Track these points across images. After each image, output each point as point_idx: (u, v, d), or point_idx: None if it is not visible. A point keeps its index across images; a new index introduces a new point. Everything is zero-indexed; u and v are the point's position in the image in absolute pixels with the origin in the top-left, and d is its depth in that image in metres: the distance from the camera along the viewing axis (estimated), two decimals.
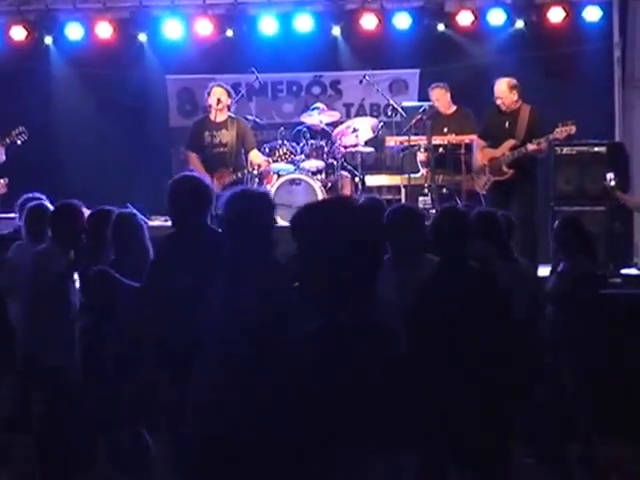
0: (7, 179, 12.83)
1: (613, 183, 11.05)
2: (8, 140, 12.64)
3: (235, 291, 5.60)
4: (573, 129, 11.47)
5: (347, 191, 13.18)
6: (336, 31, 14.63)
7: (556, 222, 9.22)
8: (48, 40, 14.73)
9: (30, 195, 9.54)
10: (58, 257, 8.05)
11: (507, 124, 11.98)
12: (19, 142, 12.67)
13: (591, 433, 8.76)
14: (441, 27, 14.44)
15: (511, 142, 11.89)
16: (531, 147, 11.63)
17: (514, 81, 12.02)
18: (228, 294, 5.62)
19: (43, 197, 9.36)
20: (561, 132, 11.48)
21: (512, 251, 8.48)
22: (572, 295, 8.43)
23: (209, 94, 12.66)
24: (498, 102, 12.09)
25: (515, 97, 11.94)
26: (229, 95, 12.68)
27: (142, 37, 14.86)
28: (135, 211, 8.29)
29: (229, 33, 14.71)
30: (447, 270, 6.48)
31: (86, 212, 8.20)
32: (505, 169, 11.89)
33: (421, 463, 3.85)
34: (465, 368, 5.73)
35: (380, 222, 3.90)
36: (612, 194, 11.09)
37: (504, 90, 11.99)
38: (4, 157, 12.75)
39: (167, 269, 6.69)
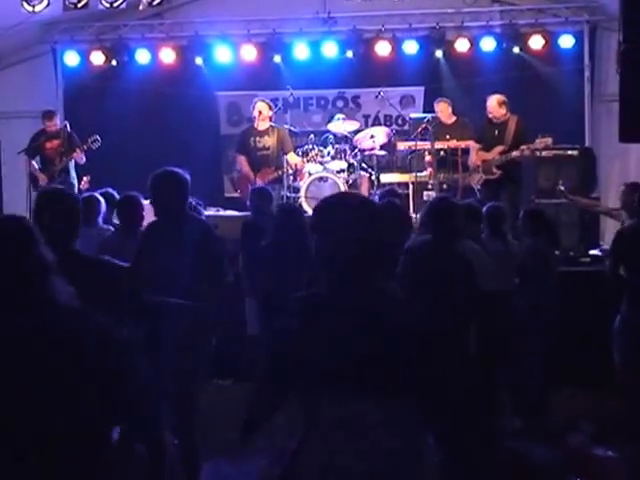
0: (89, 176, 13.02)
1: (562, 188, 11.18)
2: (85, 146, 12.77)
3: None
4: (549, 140, 11.61)
5: (365, 187, 13.27)
6: (356, 55, 14.65)
7: (521, 212, 9.39)
8: (121, 63, 14.84)
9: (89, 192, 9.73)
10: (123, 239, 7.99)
11: (497, 132, 12.10)
12: (94, 148, 12.79)
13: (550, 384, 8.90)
14: (442, 52, 14.43)
15: (500, 148, 12.02)
16: (515, 154, 11.79)
17: (503, 97, 12.12)
18: None
19: (111, 190, 9.55)
20: (540, 143, 11.60)
21: (505, 233, 8.66)
22: (528, 269, 8.58)
23: (253, 107, 12.79)
24: (489, 115, 12.21)
25: (504, 111, 12.04)
26: (270, 108, 12.81)
27: (198, 61, 14.88)
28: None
29: (269, 57, 14.76)
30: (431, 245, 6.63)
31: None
32: (495, 170, 12.03)
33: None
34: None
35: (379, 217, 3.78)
36: (564, 196, 11.15)
37: (494, 105, 12.10)
38: (84, 159, 12.90)
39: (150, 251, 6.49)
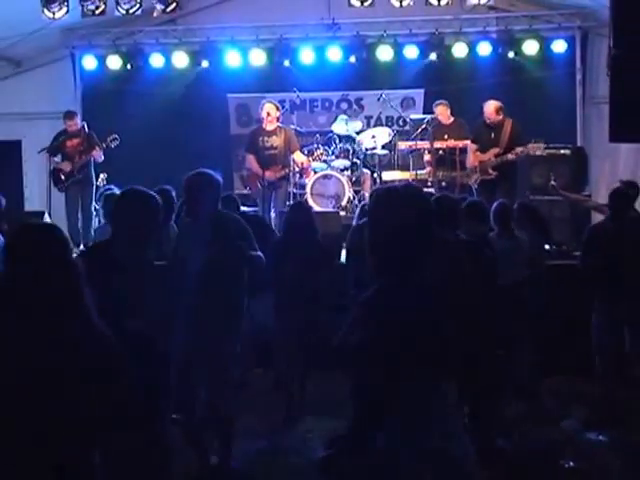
0: (106, 174, 13.06)
1: (554, 184, 11.20)
2: (104, 145, 12.79)
3: None
4: (542, 147, 11.64)
5: (367, 184, 13.29)
6: (359, 59, 14.65)
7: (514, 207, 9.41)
8: (137, 67, 14.85)
9: (105, 188, 9.74)
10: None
11: (492, 135, 12.11)
12: (113, 146, 12.82)
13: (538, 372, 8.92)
14: (441, 57, 14.44)
15: (496, 150, 12.03)
16: (510, 157, 11.82)
17: (499, 104, 12.13)
18: None
19: (114, 188, 9.53)
20: (533, 148, 11.64)
21: (513, 229, 8.66)
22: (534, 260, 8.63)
23: (261, 109, 12.78)
24: (486, 119, 12.23)
25: (500, 116, 12.05)
26: (277, 109, 12.79)
27: (209, 64, 14.92)
28: None
29: (276, 61, 14.77)
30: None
31: None
32: (491, 171, 12.04)
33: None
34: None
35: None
36: (556, 191, 11.17)
37: (491, 111, 12.12)
38: (102, 157, 12.92)
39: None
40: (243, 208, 12.43)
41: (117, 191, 9.19)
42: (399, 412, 3.50)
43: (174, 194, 8.42)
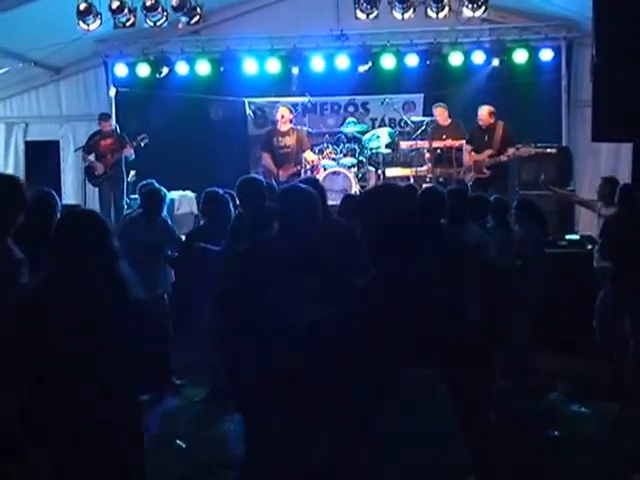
0: (135, 170, 13.10)
1: (542, 178, 11.23)
2: (135, 143, 12.83)
3: None
4: (532, 151, 11.69)
5: (372, 180, 13.27)
6: (365, 67, 14.56)
7: (514, 202, 9.39)
8: (164, 74, 14.78)
9: (145, 182, 9.74)
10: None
11: (486, 137, 12.18)
12: (142, 144, 12.85)
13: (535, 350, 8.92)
14: (439, 64, 14.34)
15: (489, 151, 12.09)
16: (503, 158, 11.86)
17: (492, 108, 12.20)
18: None
19: (155, 182, 9.53)
20: (523, 151, 11.69)
21: (509, 222, 8.66)
22: (524, 253, 8.60)
23: (276, 111, 12.89)
24: (480, 122, 12.26)
25: (492, 120, 12.13)
26: (290, 112, 12.86)
27: (229, 71, 14.82)
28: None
29: (290, 68, 14.72)
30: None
31: None
32: (485, 170, 12.08)
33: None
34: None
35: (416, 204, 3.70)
36: (545, 187, 11.16)
37: (485, 115, 12.19)
38: (134, 155, 12.96)
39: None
40: None
41: (157, 185, 9.19)
42: (398, 397, 3.47)
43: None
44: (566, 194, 11.60)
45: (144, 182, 9.78)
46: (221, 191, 8.28)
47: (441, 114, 13.08)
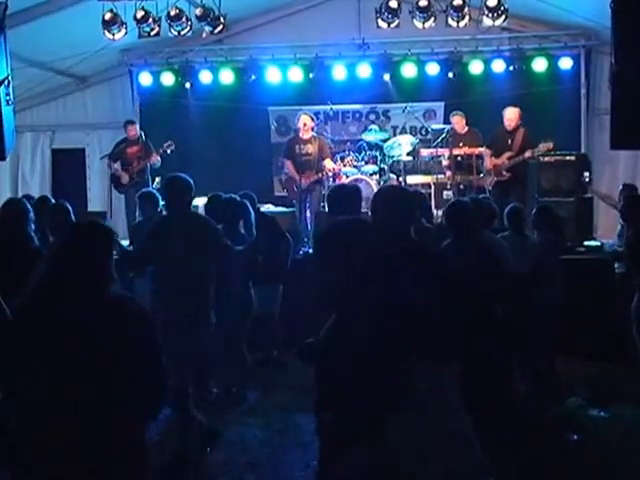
0: (161, 177, 13.14)
1: (588, 180, 11.18)
2: (161, 150, 12.92)
3: None
4: (551, 145, 11.63)
5: None
6: (386, 76, 14.61)
7: (533, 210, 9.39)
8: (188, 83, 14.87)
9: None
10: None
11: (509, 141, 12.16)
12: (169, 151, 12.94)
13: (554, 355, 8.90)
14: (460, 73, 14.33)
15: (508, 154, 12.08)
16: (525, 156, 11.82)
17: (520, 110, 12.18)
18: None
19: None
20: (543, 147, 11.63)
21: (524, 230, 8.66)
22: (540, 259, 8.58)
23: (298, 119, 12.91)
24: (506, 124, 12.23)
25: (519, 122, 12.08)
26: (312, 120, 12.92)
27: (252, 80, 14.85)
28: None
29: (312, 77, 14.74)
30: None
31: None
32: (505, 172, 12.06)
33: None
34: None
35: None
36: (588, 187, 11.16)
37: (516, 116, 12.19)
38: (160, 162, 13.03)
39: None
40: (281, 209, 12.51)
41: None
42: (414, 393, 3.44)
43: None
44: (605, 195, 11.68)
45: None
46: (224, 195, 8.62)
47: (458, 122, 13.09)
